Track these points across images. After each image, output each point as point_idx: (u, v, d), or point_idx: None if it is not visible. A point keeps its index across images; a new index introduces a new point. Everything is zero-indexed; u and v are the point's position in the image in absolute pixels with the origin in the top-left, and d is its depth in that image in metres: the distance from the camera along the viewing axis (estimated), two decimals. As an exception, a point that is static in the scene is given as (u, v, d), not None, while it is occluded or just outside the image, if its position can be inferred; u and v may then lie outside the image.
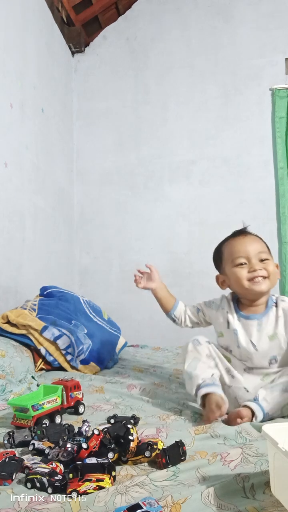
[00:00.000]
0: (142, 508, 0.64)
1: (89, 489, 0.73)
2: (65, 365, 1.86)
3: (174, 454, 0.84)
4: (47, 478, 0.77)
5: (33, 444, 0.93)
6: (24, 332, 1.87)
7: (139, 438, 0.91)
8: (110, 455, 0.84)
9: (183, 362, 1.27)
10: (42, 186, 2.77)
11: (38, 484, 0.77)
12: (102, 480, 0.75)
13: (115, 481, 0.78)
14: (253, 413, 1.09)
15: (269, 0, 3.30)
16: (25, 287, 2.38)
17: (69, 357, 1.87)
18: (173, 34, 3.43)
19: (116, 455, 0.86)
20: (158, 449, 0.86)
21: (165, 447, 0.87)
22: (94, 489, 0.73)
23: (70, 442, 0.88)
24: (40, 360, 1.86)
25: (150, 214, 3.34)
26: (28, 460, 0.86)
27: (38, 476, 0.77)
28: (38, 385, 1.56)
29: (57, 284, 2.45)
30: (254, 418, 1.09)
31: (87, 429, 0.95)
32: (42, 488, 0.76)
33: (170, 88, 3.40)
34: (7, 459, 0.84)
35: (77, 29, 3.42)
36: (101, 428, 0.94)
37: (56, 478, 0.77)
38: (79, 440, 0.89)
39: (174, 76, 3.40)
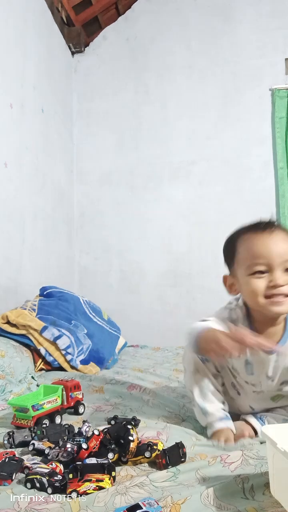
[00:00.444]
0: (141, 508, 0.64)
1: (89, 490, 0.73)
2: (65, 365, 1.86)
3: (174, 455, 0.84)
4: (47, 478, 0.77)
5: (33, 444, 0.93)
6: (24, 332, 1.87)
7: (139, 439, 0.92)
8: (110, 455, 0.84)
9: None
10: (42, 186, 2.77)
11: (38, 484, 0.77)
12: (102, 481, 0.75)
13: (115, 482, 0.78)
14: (254, 430, 1.04)
15: (269, 0, 3.30)
16: (25, 287, 2.38)
17: (69, 357, 1.87)
18: (173, 34, 3.43)
19: (116, 455, 0.86)
20: (158, 450, 0.86)
21: (165, 448, 0.87)
22: (94, 489, 0.74)
23: (70, 443, 0.88)
24: (40, 360, 1.86)
25: (150, 214, 3.34)
26: (28, 460, 0.86)
27: (38, 476, 0.77)
28: (38, 385, 1.56)
29: (57, 284, 2.45)
30: (257, 435, 1.03)
31: (87, 429, 0.95)
32: (42, 488, 0.76)
33: (170, 88, 3.40)
34: (7, 459, 0.85)
35: (77, 29, 3.42)
36: (101, 428, 0.94)
37: (56, 478, 0.78)
38: (79, 441, 0.89)
39: (174, 76, 3.40)
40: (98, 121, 3.49)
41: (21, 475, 0.82)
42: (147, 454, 0.86)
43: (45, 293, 2.27)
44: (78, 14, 3.35)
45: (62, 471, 0.81)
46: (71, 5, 3.22)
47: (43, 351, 1.85)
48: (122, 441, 0.87)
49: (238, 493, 0.71)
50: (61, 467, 0.82)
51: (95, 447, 0.87)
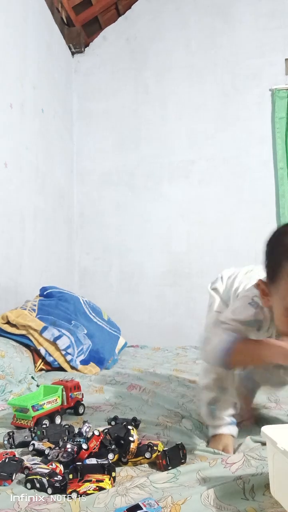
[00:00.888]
0: (142, 508, 0.64)
1: (89, 490, 0.73)
2: (65, 365, 1.86)
3: (175, 456, 0.84)
4: (47, 478, 0.77)
5: (33, 444, 0.93)
6: (24, 332, 1.87)
7: (140, 440, 0.91)
8: (110, 456, 0.84)
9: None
10: (42, 186, 2.77)
11: (38, 485, 0.77)
12: (102, 481, 0.75)
13: (115, 482, 0.78)
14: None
15: (269, 0, 3.30)
16: (25, 288, 2.38)
17: (69, 358, 1.87)
18: (173, 34, 3.43)
19: (116, 456, 0.86)
20: (159, 451, 0.86)
21: (165, 449, 0.87)
22: (94, 489, 0.74)
23: (70, 443, 0.88)
24: (40, 361, 1.86)
25: (150, 214, 3.34)
26: (28, 460, 0.86)
27: (38, 477, 0.77)
28: (38, 386, 1.56)
29: (57, 284, 2.45)
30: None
31: (87, 429, 0.95)
32: (42, 489, 0.76)
33: (170, 88, 3.40)
34: (7, 460, 0.85)
35: (77, 30, 3.42)
36: (101, 429, 0.94)
37: (56, 478, 0.78)
38: (79, 441, 0.89)
39: (174, 76, 3.40)
40: (98, 121, 3.49)
41: (21, 476, 0.82)
42: (147, 455, 0.86)
43: (45, 293, 2.27)
44: (78, 14, 3.35)
45: (62, 472, 0.81)
46: (71, 5, 3.22)
47: (43, 351, 1.85)
48: (122, 442, 0.87)
49: (238, 493, 0.71)
50: (61, 467, 0.82)
51: (95, 448, 0.87)
